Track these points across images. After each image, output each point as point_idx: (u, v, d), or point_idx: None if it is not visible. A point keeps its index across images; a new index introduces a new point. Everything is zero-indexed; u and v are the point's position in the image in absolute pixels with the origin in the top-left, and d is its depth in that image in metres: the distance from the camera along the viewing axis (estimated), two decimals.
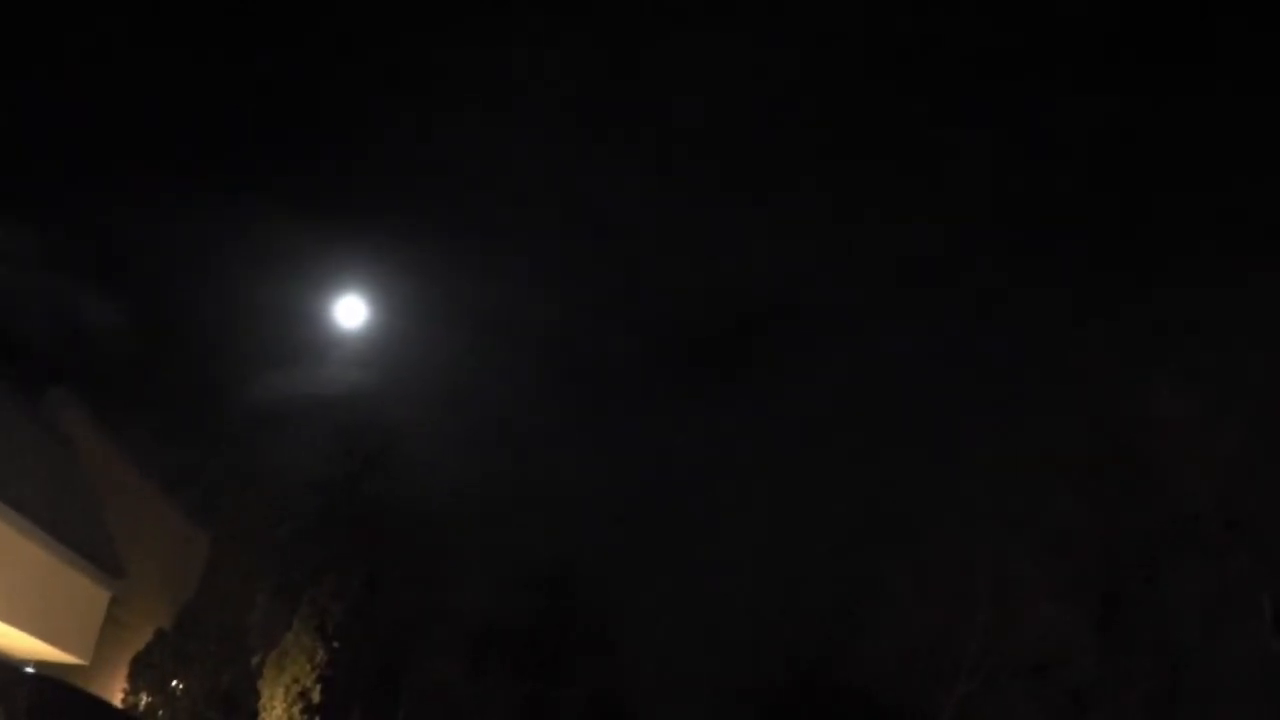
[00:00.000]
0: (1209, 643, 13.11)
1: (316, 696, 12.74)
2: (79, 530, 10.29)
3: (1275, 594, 12.58)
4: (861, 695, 14.10)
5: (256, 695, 12.57)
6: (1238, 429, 12.67)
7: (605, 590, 17.14)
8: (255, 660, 12.68)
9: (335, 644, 13.16)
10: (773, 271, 15.76)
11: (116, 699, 11.22)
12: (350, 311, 15.00)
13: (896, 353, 15.02)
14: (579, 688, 17.16)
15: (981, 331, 14.11)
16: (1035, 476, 13.01)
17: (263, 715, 12.70)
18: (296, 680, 12.75)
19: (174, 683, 11.67)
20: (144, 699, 11.28)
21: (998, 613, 13.06)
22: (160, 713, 11.33)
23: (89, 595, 10.50)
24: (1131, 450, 12.85)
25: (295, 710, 12.77)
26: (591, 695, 16.99)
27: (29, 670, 9.31)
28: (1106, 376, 13.02)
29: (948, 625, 13.11)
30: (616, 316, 17.77)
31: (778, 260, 15.85)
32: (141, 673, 11.54)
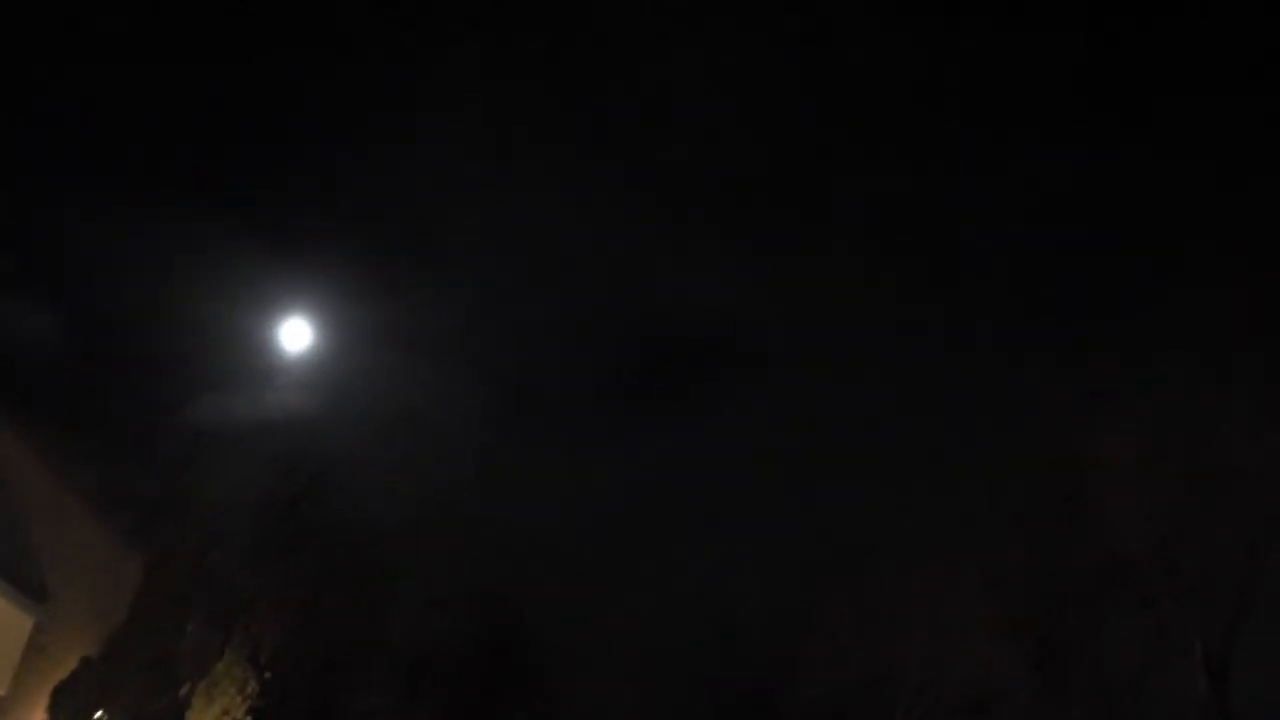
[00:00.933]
0: (1142, 685, 13.27)
1: None
2: None
3: (1207, 639, 12.75)
4: None
5: None
6: (1176, 476, 12.88)
7: (545, 621, 17.01)
8: (184, 690, 12.38)
9: (268, 674, 12.90)
10: (721, 304, 15.80)
11: None
12: (294, 334, 14.80)
13: (843, 390, 15.11)
14: (517, 718, 16.98)
15: (926, 372, 14.24)
16: (977, 516, 13.13)
17: None
18: (227, 712, 12.45)
19: (98, 714, 11.37)
20: None
21: (935, 650, 13.12)
22: None
23: (9, 621, 10.21)
24: (1072, 493, 13.01)
25: None
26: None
27: None
28: (1049, 420, 13.18)
29: (886, 662, 13.15)
30: (562, 345, 17.72)
31: (727, 293, 15.92)
32: (63, 703, 11.22)
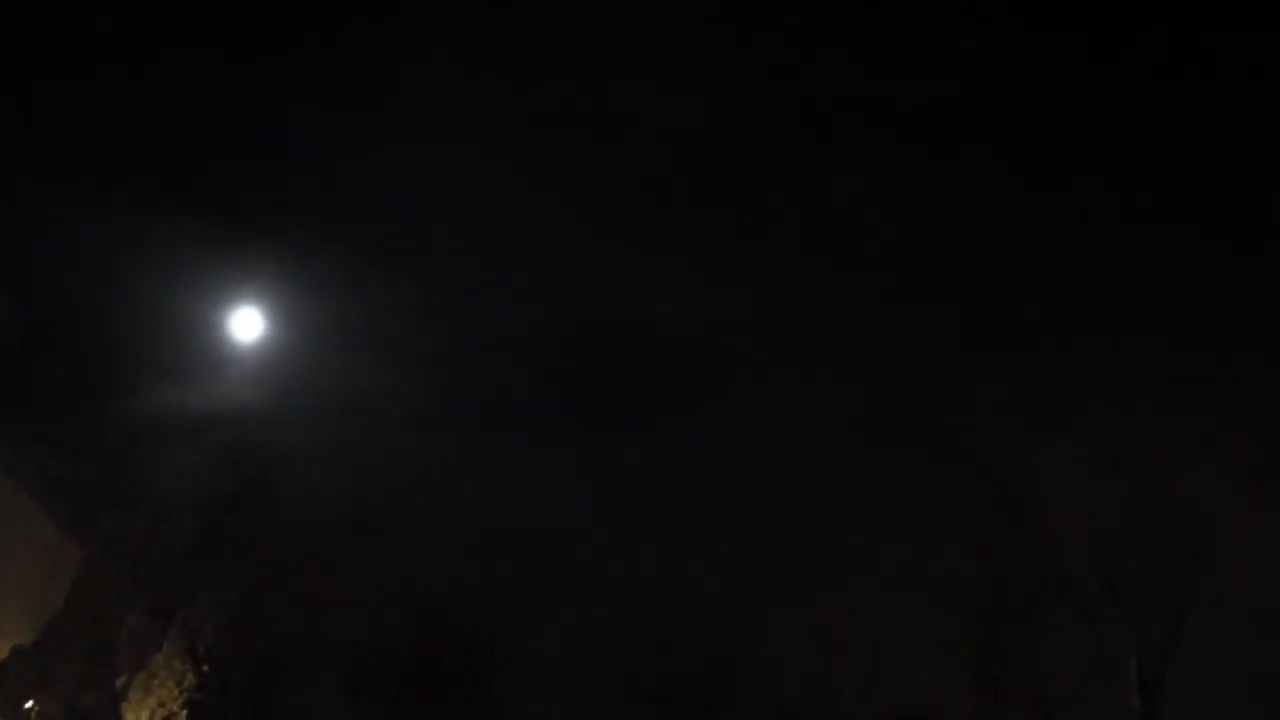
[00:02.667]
0: (1079, 699, 13.52)
1: None
2: None
3: (1142, 656, 13.05)
4: None
5: (119, 719, 12.07)
6: (1118, 496, 13.18)
7: (489, 623, 16.91)
8: (120, 682, 12.19)
9: (206, 668, 12.72)
10: (681, 312, 15.84)
11: None
12: (244, 325, 14.62)
13: (796, 403, 15.19)
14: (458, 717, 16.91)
15: (879, 387, 14.38)
16: (922, 529, 13.29)
17: None
18: (163, 704, 12.27)
19: (28, 704, 11.17)
20: None
21: (877, 661, 13.27)
22: None
23: None
24: (1016, 510, 13.24)
25: None
26: None
27: None
28: (995, 437, 13.39)
29: (828, 671, 13.28)
30: (517, 346, 17.65)
31: (687, 301, 15.95)
32: None
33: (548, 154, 16.51)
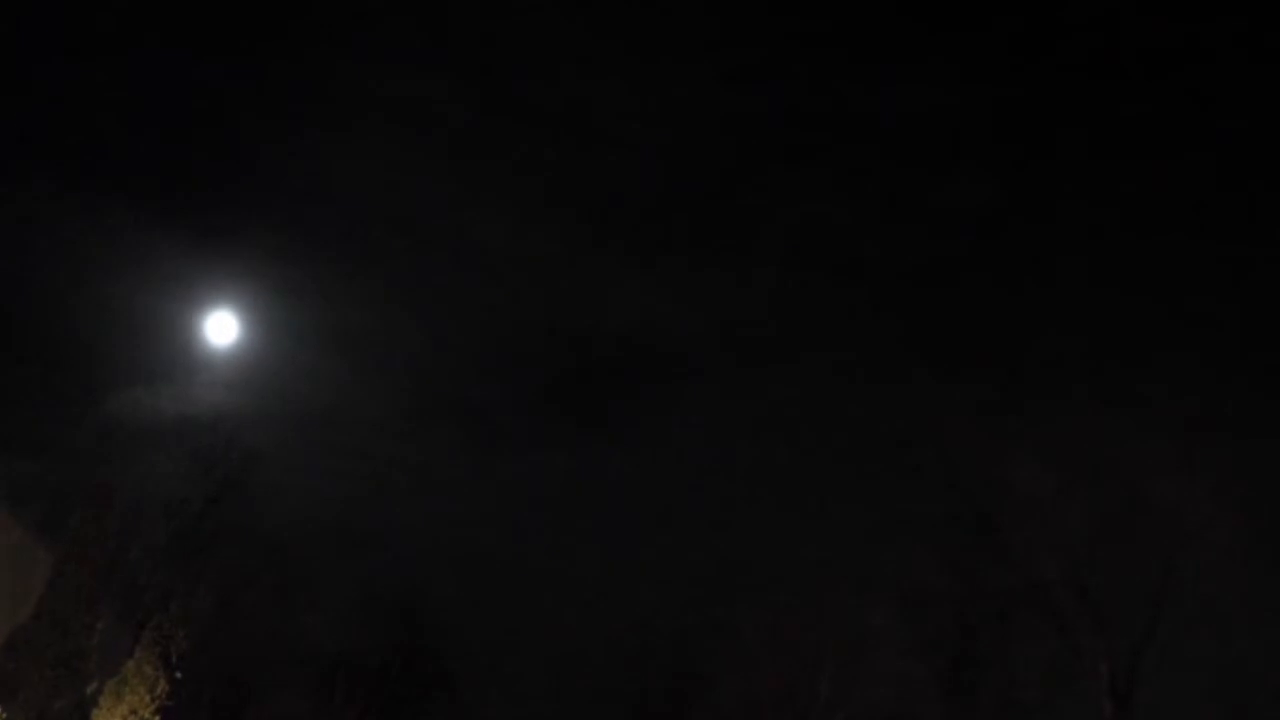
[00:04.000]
0: (1050, 706, 13.68)
1: None
2: None
3: (1113, 661, 13.24)
4: None
5: None
6: (1089, 505, 13.36)
7: (458, 628, 16.88)
8: (91, 688, 11.99)
9: (178, 674, 12.56)
10: (645, 321, 15.88)
11: None
12: (219, 329, 14.45)
13: (763, 410, 15.29)
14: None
15: (849, 395, 14.50)
16: (894, 537, 13.42)
17: None
18: (134, 711, 12.09)
19: None
20: None
21: (848, 667, 13.35)
22: None
23: None
24: (989, 517, 13.39)
25: None
26: None
27: None
28: (968, 445, 13.53)
29: (798, 677, 13.33)
30: (487, 354, 17.63)
31: (653, 310, 16.00)
32: None
33: (522, 163, 16.54)
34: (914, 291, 15.21)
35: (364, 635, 16.73)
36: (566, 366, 17.22)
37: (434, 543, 16.24)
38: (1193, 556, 13.36)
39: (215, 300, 15.02)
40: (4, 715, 11.28)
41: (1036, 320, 15.29)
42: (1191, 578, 13.39)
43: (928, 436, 13.75)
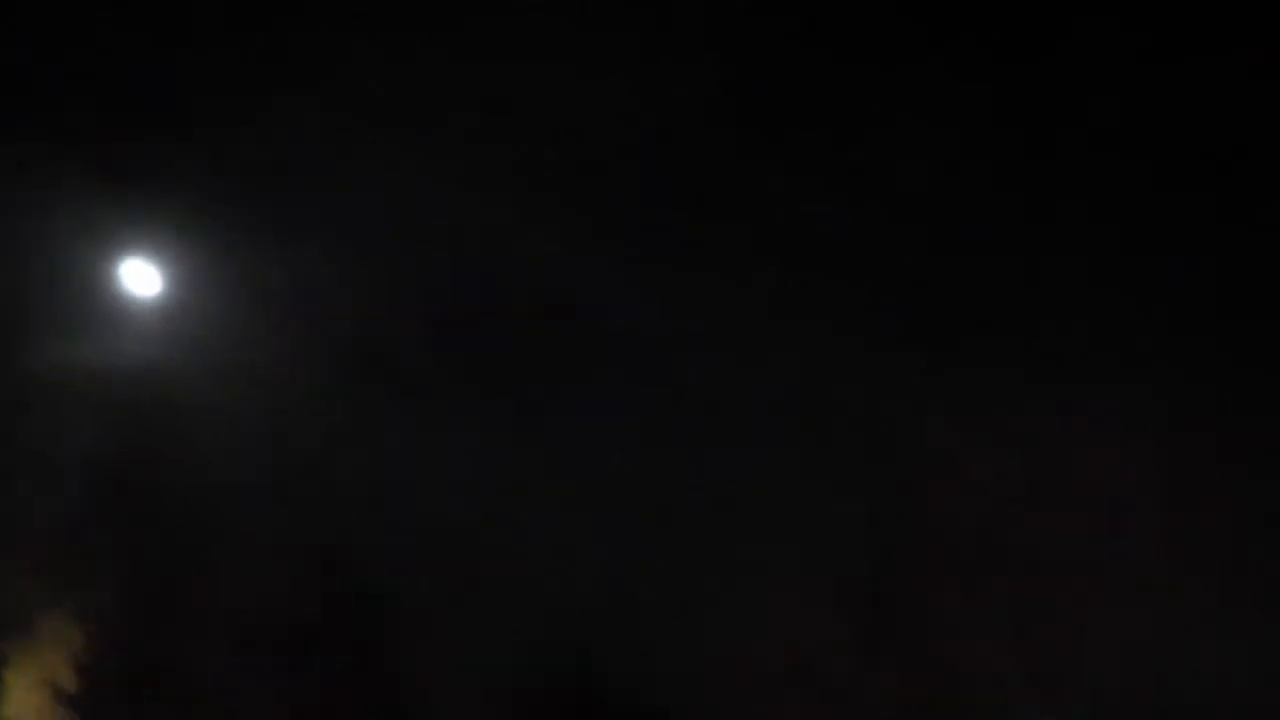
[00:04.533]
0: (962, 661, 14.02)
1: (70, 688, 12.09)
2: None
3: (1024, 619, 13.66)
4: (638, 703, 14.40)
5: (1, 684, 11.84)
6: (1011, 471, 13.69)
7: (390, 589, 16.87)
8: (3, 647, 11.93)
9: (93, 632, 12.51)
10: (590, 287, 15.82)
11: None
12: (140, 280, 14.22)
13: (696, 379, 15.32)
14: (355, 686, 16.84)
15: (777, 359, 14.59)
16: (812, 494, 13.62)
17: (5, 706, 11.96)
18: (48, 669, 12.05)
19: None
20: None
21: (758, 621, 13.59)
22: None
23: None
24: (908, 474, 13.67)
25: (43, 702, 12.07)
26: (367, 695, 16.70)
27: None
28: (893, 409, 13.75)
29: (703, 631, 13.58)
30: (430, 325, 17.47)
31: (593, 280, 15.95)
32: None
33: (467, 129, 16.27)
34: (841, 259, 15.26)
35: (290, 596, 16.68)
36: (508, 340, 17.08)
37: (365, 504, 16.13)
38: (1111, 535, 13.81)
39: (137, 251, 14.76)
40: None
41: (968, 292, 15.35)
42: (1114, 545, 13.86)
43: (855, 399, 13.92)
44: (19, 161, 14.84)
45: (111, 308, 14.11)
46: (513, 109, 16.31)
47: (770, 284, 14.92)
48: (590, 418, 15.44)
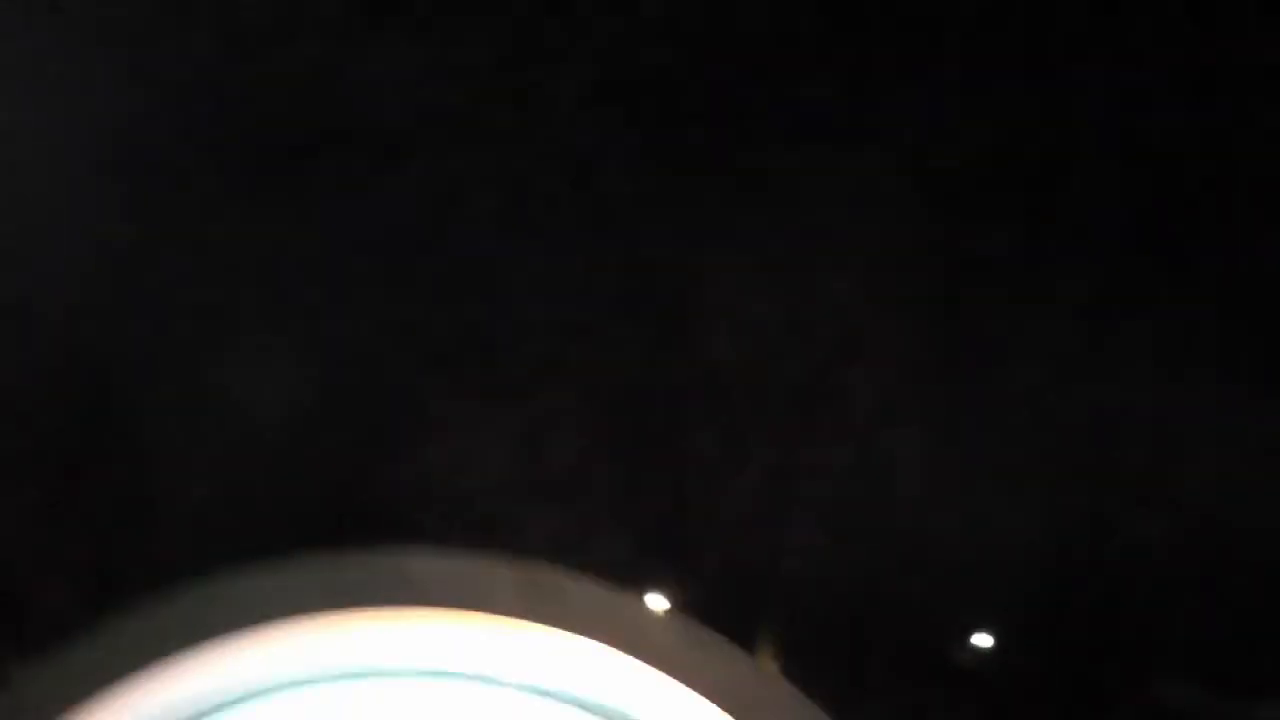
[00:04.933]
0: (713, 484, 14.44)
1: None
2: None
3: (777, 449, 14.11)
4: (389, 515, 14.33)
5: None
6: (772, 300, 13.87)
7: (141, 397, 16.21)
8: None
9: None
10: (353, 90, 14.99)
11: None
12: None
13: (457, 176, 14.74)
14: (106, 492, 16.30)
15: (543, 171, 14.21)
16: (576, 315, 13.57)
17: None
18: None
19: None
20: None
21: (527, 444, 13.64)
22: None
23: None
24: (669, 302, 13.72)
25: None
26: (119, 501, 16.20)
27: None
28: (656, 233, 13.67)
29: (475, 451, 13.54)
30: (190, 110, 16.38)
31: (383, 87, 15.12)
32: None
33: None
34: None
35: (42, 403, 15.86)
36: (281, 133, 16.13)
37: (110, 303, 15.27)
38: (858, 364, 14.22)
39: None
40: None
41: (757, 117, 15.15)
42: (852, 383, 14.30)
43: (622, 221, 13.76)
44: None
45: None
46: None
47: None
48: (362, 218, 14.78)
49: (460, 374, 13.70)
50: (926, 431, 14.31)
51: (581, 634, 1.38)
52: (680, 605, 13.19)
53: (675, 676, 1.39)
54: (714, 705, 1.38)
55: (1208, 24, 13.34)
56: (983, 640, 14.30)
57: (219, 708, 1.40)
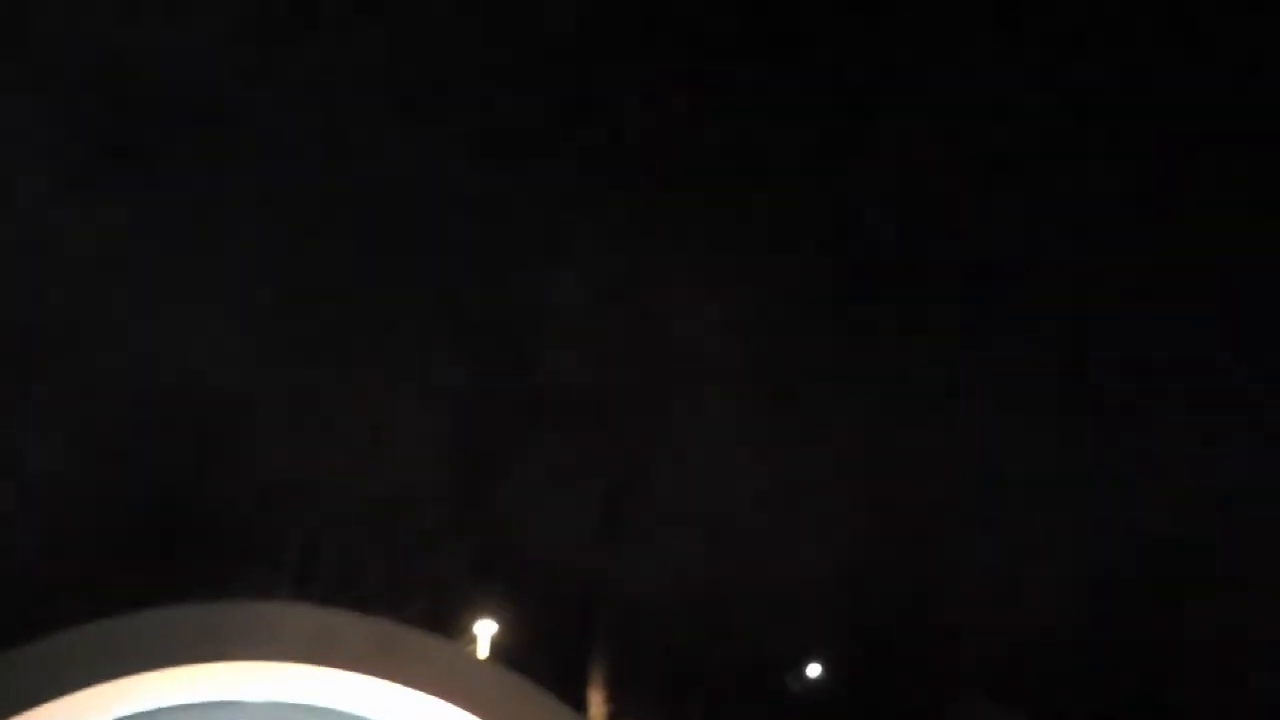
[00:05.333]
0: (550, 501, 14.50)
1: None
2: None
3: (613, 469, 14.30)
4: (220, 523, 13.90)
5: None
6: (617, 325, 14.07)
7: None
8: None
9: None
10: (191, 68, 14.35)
11: None
12: None
13: (331, 185, 14.41)
14: None
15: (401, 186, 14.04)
16: (420, 331, 13.49)
17: None
18: None
19: None
20: None
21: (365, 454, 13.45)
22: None
23: None
24: (520, 329, 13.77)
25: None
26: None
27: None
28: (504, 256, 13.71)
29: (312, 462, 13.28)
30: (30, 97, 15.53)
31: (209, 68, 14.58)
32: None
33: None
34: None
35: None
36: (114, 108, 15.23)
37: None
38: (697, 386, 14.53)
39: None
40: None
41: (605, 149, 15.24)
42: (692, 407, 14.61)
43: (470, 249, 13.71)
44: None
45: None
46: None
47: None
48: (219, 204, 14.09)
49: (300, 388, 13.42)
50: (757, 464, 14.72)
51: (418, 687, 1.51)
52: (510, 631, 13.26)
53: None
54: None
55: None
56: (807, 669, 14.75)
57: None
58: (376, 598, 13.45)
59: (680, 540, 14.57)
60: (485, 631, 13.24)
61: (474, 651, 12.81)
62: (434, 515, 13.63)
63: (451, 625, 13.37)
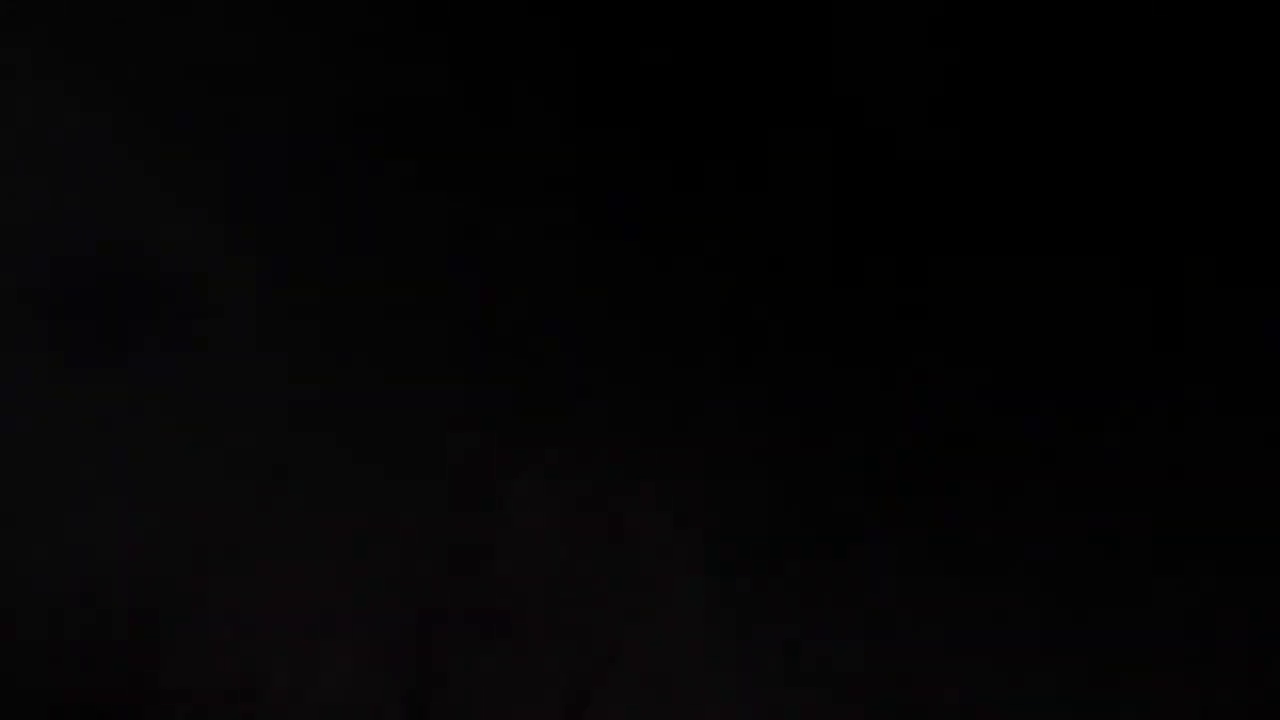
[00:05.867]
0: (507, 717, 13.99)
1: None
2: None
3: (572, 683, 13.86)
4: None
5: None
6: (569, 528, 13.87)
7: None
8: None
9: None
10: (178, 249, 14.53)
11: None
12: None
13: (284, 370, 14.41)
14: None
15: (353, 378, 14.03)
16: (367, 535, 13.29)
17: None
18: None
19: None
20: None
21: (304, 662, 13.10)
22: None
23: None
24: (467, 532, 13.57)
25: None
26: None
27: None
28: (461, 455, 13.62)
29: (254, 664, 12.93)
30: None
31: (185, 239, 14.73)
32: None
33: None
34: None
35: None
36: (82, 286, 15.29)
37: None
38: (657, 591, 14.22)
39: None
40: None
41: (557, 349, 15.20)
42: (655, 608, 14.27)
43: (424, 430, 13.56)
44: None
45: None
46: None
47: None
48: (166, 391, 13.97)
49: (233, 573, 13.14)
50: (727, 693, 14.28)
51: None
52: None
53: None
54: None
55: None
56: None
57: None
58: None
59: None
60: None
61: None
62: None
63: None
